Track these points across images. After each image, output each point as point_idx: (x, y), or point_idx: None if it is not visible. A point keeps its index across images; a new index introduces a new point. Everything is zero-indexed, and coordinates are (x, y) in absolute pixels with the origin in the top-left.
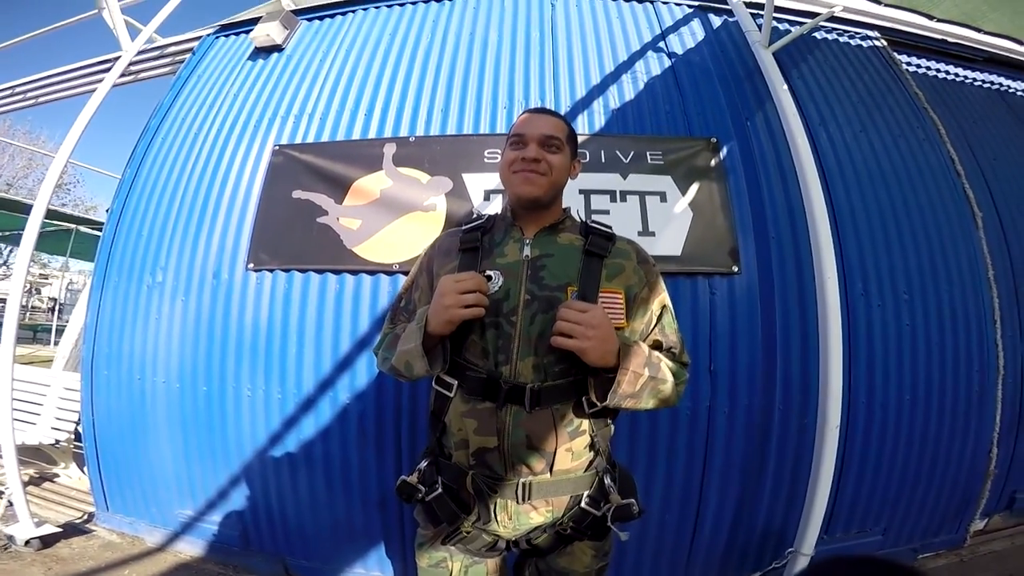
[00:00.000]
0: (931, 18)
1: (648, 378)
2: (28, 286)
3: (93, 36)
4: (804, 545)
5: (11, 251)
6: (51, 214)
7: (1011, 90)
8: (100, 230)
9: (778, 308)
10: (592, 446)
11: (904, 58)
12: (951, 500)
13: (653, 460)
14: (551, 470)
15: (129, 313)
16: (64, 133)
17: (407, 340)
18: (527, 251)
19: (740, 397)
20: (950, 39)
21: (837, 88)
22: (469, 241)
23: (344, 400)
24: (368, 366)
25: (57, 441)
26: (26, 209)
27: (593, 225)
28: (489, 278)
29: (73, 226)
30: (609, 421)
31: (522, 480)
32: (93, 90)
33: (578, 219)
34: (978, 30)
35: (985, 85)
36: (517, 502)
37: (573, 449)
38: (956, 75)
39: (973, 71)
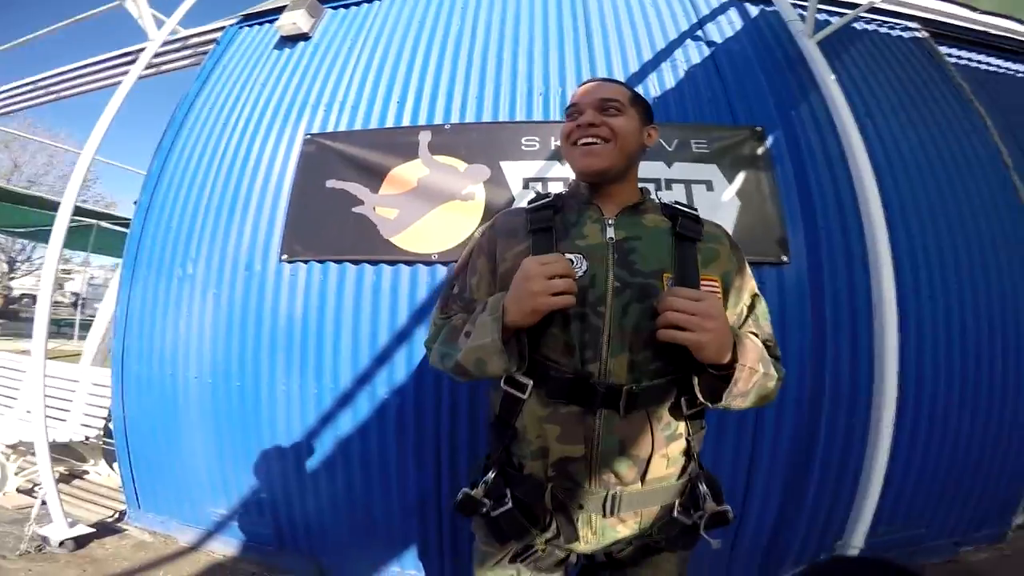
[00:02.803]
0: (974, 10)
1: (761, 374)
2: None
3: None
4: (854, 539)
5: (34, 247)
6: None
7: None
8: (121, 225)
9: (827, 299)
10: (688, 451)
11: (946, 50)
12: (996, 494)
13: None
14: (643, 479)
15: (159, 307)
16: (83, 128)
17: (480, 335)
18: (611, 232)
19: (788, 392)
20: (993, 31)
21: (881, 79)
22: (540, 220)
23: (382, 395)
24: (407, 360)
25: (87, 438)
26: (48, 205)
27: (678, 206)
28: (571, 262)
29: (94, 222)
30: (704, 422)
31: (610, 492)
32: (116, 84)
33: (657, 200)
34: (1022, 22)
35: None
36: (603, 516)
37: (669, 455)
38: (999, 67)
39: (1018, 63)
